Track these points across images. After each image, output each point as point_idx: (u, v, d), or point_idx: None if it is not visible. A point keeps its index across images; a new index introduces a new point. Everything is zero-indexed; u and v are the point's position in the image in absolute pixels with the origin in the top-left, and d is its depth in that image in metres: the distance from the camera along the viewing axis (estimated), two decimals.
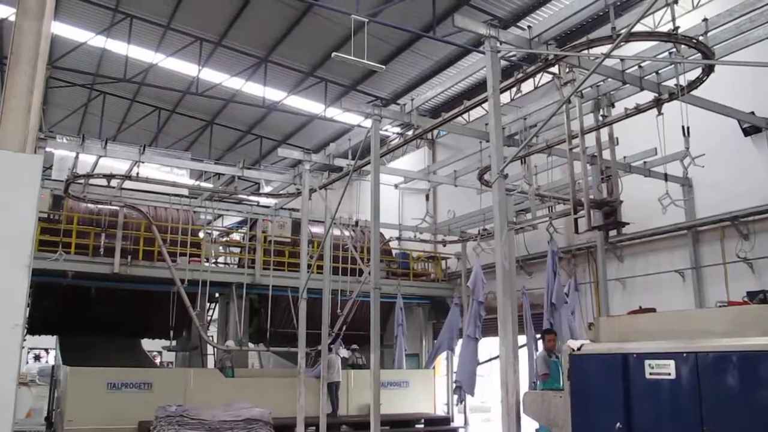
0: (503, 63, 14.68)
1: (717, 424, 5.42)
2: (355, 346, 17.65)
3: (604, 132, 10.68)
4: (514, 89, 10.13)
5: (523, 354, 12.65)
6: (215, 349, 17.62)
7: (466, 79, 16.78)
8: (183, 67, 20.84)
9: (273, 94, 21.87)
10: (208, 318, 18.35)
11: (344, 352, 17.09)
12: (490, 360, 18.76)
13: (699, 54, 8.96)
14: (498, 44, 8.31)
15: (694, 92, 10.05)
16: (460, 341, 17.30)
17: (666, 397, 5.87)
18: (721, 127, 12.23)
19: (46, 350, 28.78)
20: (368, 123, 11.39)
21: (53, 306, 16.21)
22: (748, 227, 12.49)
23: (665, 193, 11.26)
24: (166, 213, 17.59)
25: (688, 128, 10.24)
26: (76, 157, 14.89)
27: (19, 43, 3.58)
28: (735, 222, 12.53)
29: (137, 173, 14.91)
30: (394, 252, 21.01)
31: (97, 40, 19.59)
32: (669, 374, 5.81)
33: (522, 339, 12.57)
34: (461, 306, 17.11)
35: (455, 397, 14.15)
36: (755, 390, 5.32)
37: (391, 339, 20.48)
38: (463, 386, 14.05)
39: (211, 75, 21.04)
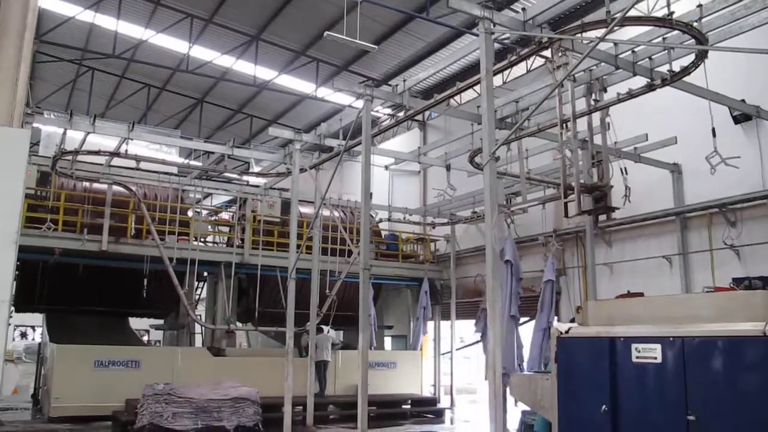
0: (496, 46, 14.61)
1: (702, 408, 5.48)
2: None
3: (596, 117, 10.69)
4: (506, 72, 10.07)
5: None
6: (203, 328, 17.62)
7: (458, 61, 16.68)
8: (173, 44, 20.60)
9: (264, 72, 21.69)
10: (197, 297, 18.31)
11: (333, 333, 17.11)
12: (479, 342, 18.88)
13: (692, 40, 8.93)
14: (492, 26, 8.24)
15: (686, 78, 10.04)
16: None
17: (652, 380, 5.92)
18: (711, 113, 12.23)
19: (33, 327, 28.71)
20: (360, 103, 11.31)
21: (40, 283, 16.10)
22: (735, 214, 12.57)
23: (713, 151, 10.89)
24: (155, 191, 17.45)
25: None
26: (64, 134, 14.70)
27: (5, 15, 3.51)
28: (723, 209, 12.60)
29: (126, 150, 14.77)
30: (383, 234, 21.02)
31: (86, 15, 19.28)
32: (655, 358, 5.86)
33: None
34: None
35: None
36: (740, 375, 5.38)
37: (381, 321, 20.63)
38: (509, 372, 11.54)
39: (201, 52, 20.82)
